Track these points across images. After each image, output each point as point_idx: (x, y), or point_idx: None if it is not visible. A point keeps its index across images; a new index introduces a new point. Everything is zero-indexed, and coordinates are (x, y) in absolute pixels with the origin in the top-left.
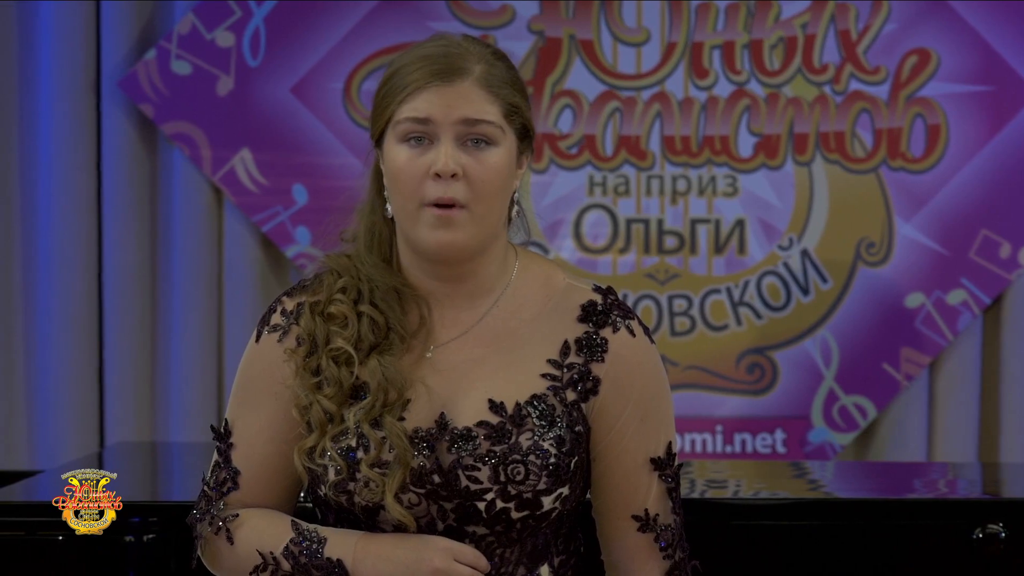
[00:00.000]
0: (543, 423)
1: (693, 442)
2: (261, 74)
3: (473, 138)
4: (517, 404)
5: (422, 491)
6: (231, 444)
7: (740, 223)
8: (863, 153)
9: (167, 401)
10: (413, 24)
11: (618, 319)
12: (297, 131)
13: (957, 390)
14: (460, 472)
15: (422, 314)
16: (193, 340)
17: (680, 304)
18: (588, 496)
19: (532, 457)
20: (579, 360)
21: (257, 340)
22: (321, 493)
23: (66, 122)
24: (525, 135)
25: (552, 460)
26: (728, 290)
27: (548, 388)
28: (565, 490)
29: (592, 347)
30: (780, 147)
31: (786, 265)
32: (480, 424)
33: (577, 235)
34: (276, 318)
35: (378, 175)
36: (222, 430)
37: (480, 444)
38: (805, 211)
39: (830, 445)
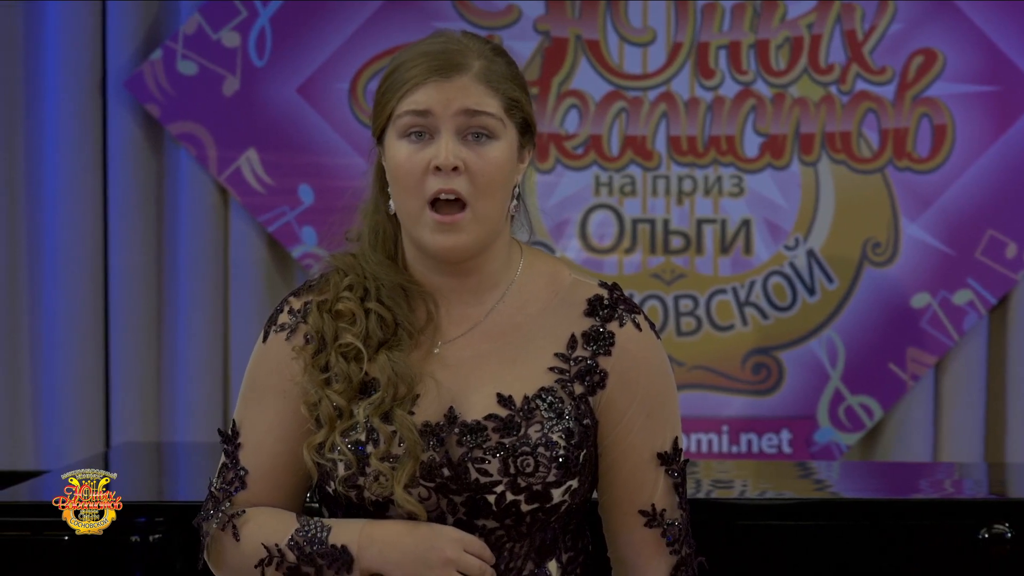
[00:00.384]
0: (552, 415)
1: (699, 442)
2: (267, 74)
3: (474, 132)
4: (525, 397)
5: (432, 485)
6: (239, 444)
7: (746, 223)
8: (869, 153)
9: (173, 401)
10: (419, 24)
11: (624, 313)
12: (303, 131)
13: (963, 390)
14: (470, 465)
15: (429, 310)
16: (199, 340)
17: (686, 304)
18: (595, 494)
19: (541, 449)
20: (586, 353)
21: (264, 340)
22: (330, 489)
23: (72, 122)
24: (526, 130)
25: (561, 452)
26: (734, 290)
27: (556, 381)
28: (574, 483)
29: (599, 340)
30: (786, 147)
31: (792, 265)
32: (489, 417)
33: (583, 235)
34: (283, 317)
35: (380, 172)
36: (230, 432)
37: (489, 437)
38: (811, 211)
39: (836, 445)
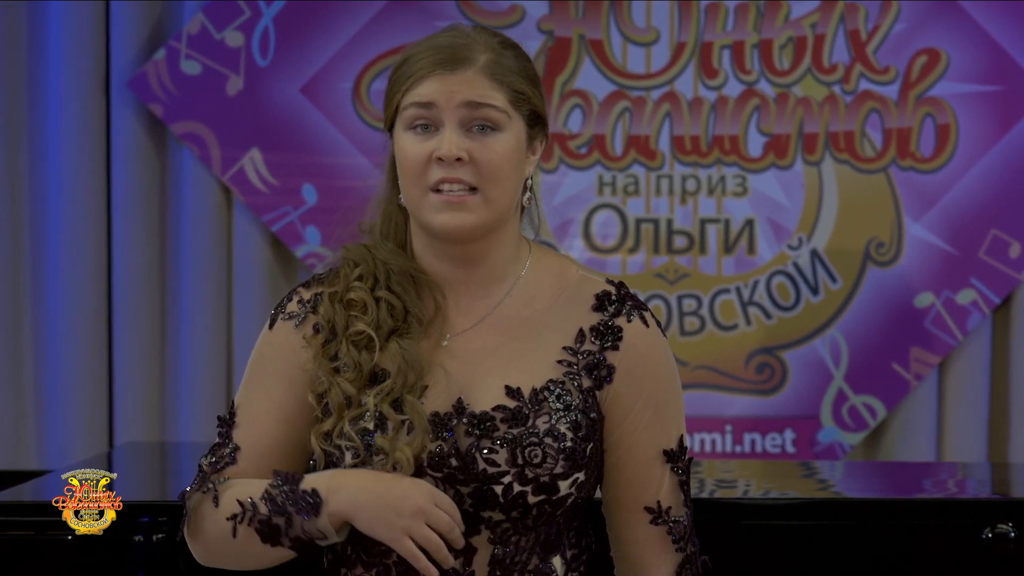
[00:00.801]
0: (560, 407)
1: (703, 442)
2: (270, 74)
3: (478, 124)
4: (534, 389)
5: (439, 475)
6: (234, 423)
7: (749, 223)
8: (873, 153)
9: (176, 401)
10: (422, 24)
11: (632, 309)
12: (306, 131)
13: (966, 390)
14: (477, 455)
15: (437, 301)
16: (202, 340)
17: (689, 304)
18: (598, 493)
19: (549, 440)
20: (594, 347)
21: (271, 327)
22: None
23: (75, 122)
24: (536, 122)
25: (568, 444)
26: (737, 290)
27: (564, 374)
28: (581, 476)
29: (607, 335)
30: (790, 147)
31: (795, 265)
32: (497, 408)
33: (587, 235)
34: (292, 307)
35: (392, 164)
36: (227, 414)
37: (497, 427)
38: (814, 211)
39: (839, 445)
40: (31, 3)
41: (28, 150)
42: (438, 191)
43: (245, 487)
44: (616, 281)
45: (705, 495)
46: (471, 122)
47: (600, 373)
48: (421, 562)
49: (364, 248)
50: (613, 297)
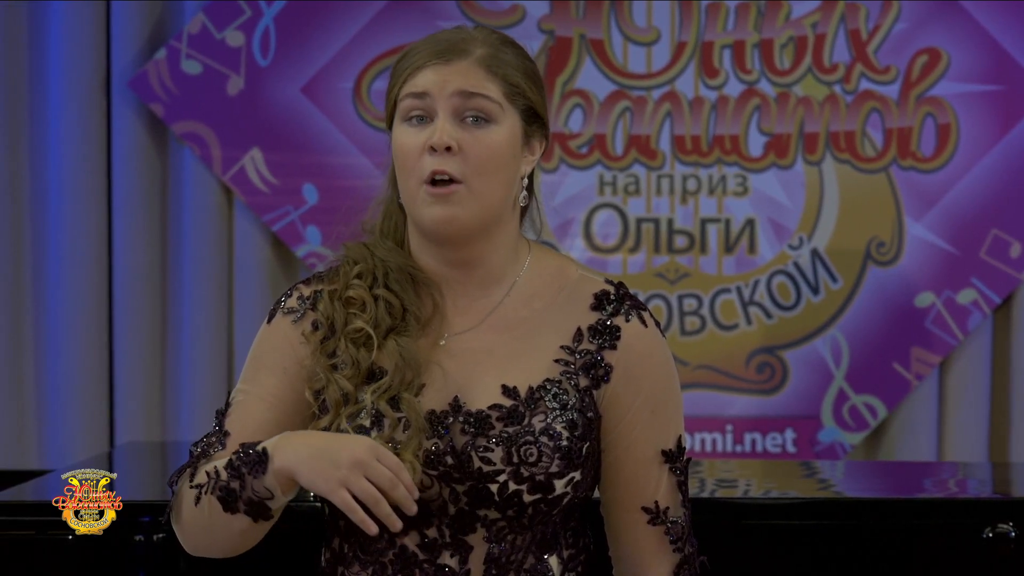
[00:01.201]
0: (556, 406)
1: (703, 441)
2: (271, 74)
3: (472, 115)
4: (530, 388)
5: (435, 473)
6: (227, 413)
7: (750, 222)
8: (873, 152)
9: (177, 401)
10: (423, 24)
11: (631, 309)
12: (307, 131)
13: (967, 390)
14: (473, 453)
15: (435, 301)
16: (203, 339)
17: (690, 304)
18: (596, 493)
19: (544, 438)
20: (591, 347)
21: (269, 321)
22: None
23: (76, 122)
24: (533, 119)
25: (564, 442)
26: (738, 289)
27: (561, 373)
28: (577, 475)
29: (604, 334)
30: (790, 147)
31: (796, 264)
32: (494, 407)
33: (587, 234)
34: (292, 302)
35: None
36: (224, 406)
37: (493, 426)
38: (815, 210)
39: (840, 445)
40: (32, 3)
41: (29, 150)
42: (432, 184)
43: (218, 462)
44: (616, 281)
45: (706, 495)
46: (464, 112)
47: (597, 372)
48: (358, 515)
49: (364, 247)
50: (612, 297)
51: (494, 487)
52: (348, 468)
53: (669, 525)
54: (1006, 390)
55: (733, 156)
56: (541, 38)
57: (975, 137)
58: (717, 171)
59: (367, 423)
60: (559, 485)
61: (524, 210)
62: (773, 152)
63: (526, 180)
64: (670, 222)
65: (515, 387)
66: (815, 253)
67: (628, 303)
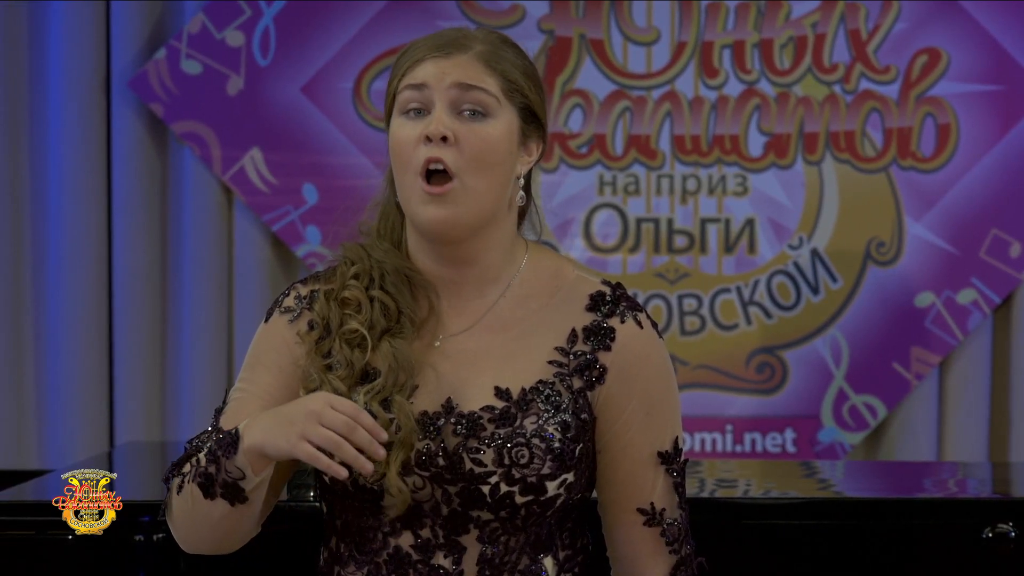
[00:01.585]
0: (549, 408)
1: (703, 441)
2: (271, 73)
3: (469, 108)
4: (523, 390)
5: (426, 474)
6: (224, 411)
7: (750, 222)
8: (873, 152)
9: (177, 400)
10: (423, 24)
11: (626, 310)
12: (307, 131)
13: (967, 390)
14: (464, 455)
15: (431, 302)
16: (203, 339)
17: (690, 303)
18: (594, 494)
19: (536, 440)
20: (586, 348)
21: (267, 321)
22: (326, 478)
23: (76, 122)
24: (531, 118)
25: (556, 444)
26: (738, 289)
27: (555, 375)
28: (570, 476)
29: (599, 335)
30: (790, 146)
31: (796, 264)
32: (485, 408)
33: (587, 234)
34: (289, 302)
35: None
36: (221, 404)
37: (485, 427)
38: (815, 210)
39: (840, 444)
40: (32, 3)
41: (29, 150)
42: (426, 179)
43: (201, 453)
44: (613, 282)
45: (705, 495)
46: (462, 105)
47: (592, 374)
48: (322, 462)
49: (361, 247)
50: (607, 298)
51: (486, 488)
52: (304, 421)
53: (665, 526)
54: (1006, 390)
55: (733, 156)
56: (541, 38)
57: (975, 137)
58: (717, 171)
59: None
60: (551, 487)
61: (522, 212)
62: (773, 152)
63: (522, 181)
64: (670, 222)
65: (507, 388)
66: (815, 253)
67: (624, 304)
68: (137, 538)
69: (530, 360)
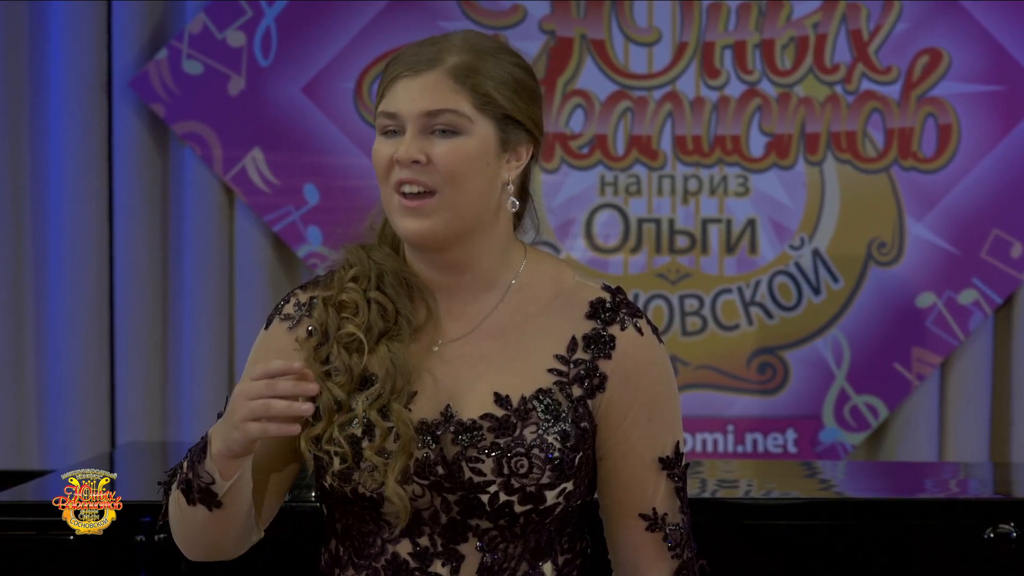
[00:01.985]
0: (548, 417)
1: (704, 442)
2: (272, 74)
3: (440, 128)
4: (523, 398)
5: (426, 483)
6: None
7: (751, 223)
8: (874, 153)
9: (178, 401)
10: (424, 24)
11: (626, 317)
12: (308, 131)
13: (968, 390)
14: (464, 464)
15: (429, 306)
16: (204, 340)
17: (691, 304)
18: (596, 496)
19: (536, 451)
20: (586, 356)
21: (267, 327)
22: (326, 483)
23: (77, 122)
24: (515, 126)
25: (556, 454)
26: (739, 290)
27: (554, 383)
28: (569, 485)
29: (599, 343)
30: (791, 147)
31: (797, 265)
32: (485, 416)
33: (588, 235)
34: (289, 308)
35: None
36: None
37: (484, 436)
38: (816, 211)
39: (841, 445)
40: (33, 3)
41: (30, 150)
42: (402, 194)
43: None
44: (614, 287)
45: (707, 495)
46: (432, 126)
47: (592, 382)
48: (272, 430)
49: (361, 249)
50: (607, 305)
51: (485, 497)
52: (238, 407)
53: (667, 531)
54: (1007, 390)
55: (734, 156)
56: (542, 38)
57: (976, 137)
58: (718, 171)
59: (358, 432)
60: (550, 496)
61: (518, 215)
62: (774, 152)
63: (511, 186)
64: (671, 222)
65: (507, 396)
66: (816, 253)
67: (624, 311)
68: (138, 538)
69: (529, 367)
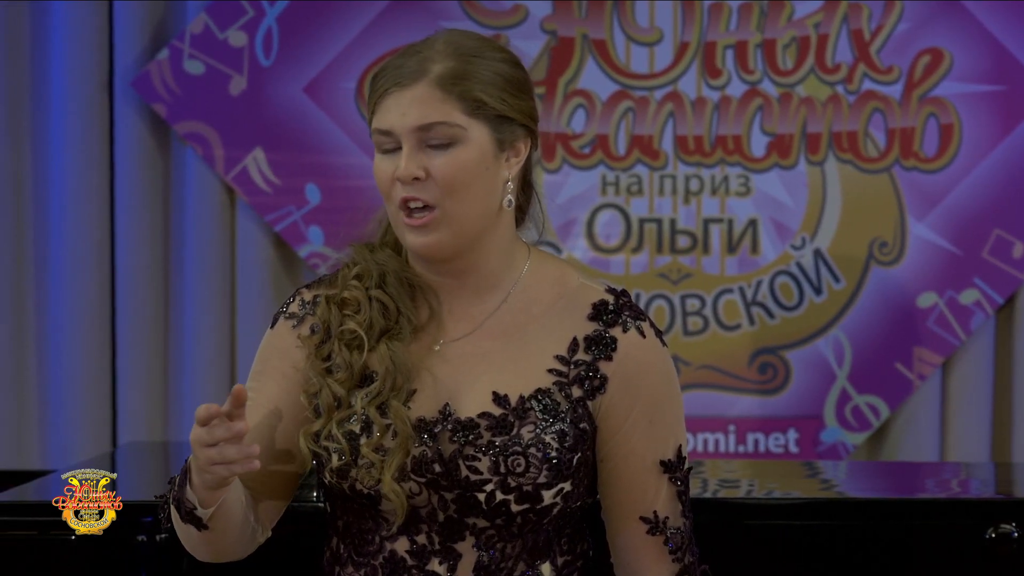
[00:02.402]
0: (546, 417)
1: (705, 442)
2: (274, 74)
3: (435, 142)
4: (521, 397)
5: (423, 480)
6: None
7: (753, 223)
8: (876, 153)
9: (180, 401)
10: (425, 24)
11: (629, 319)
12: (310, 131)
13: (970, 390)
14: (460, 462)
15: (432, 306)
16: (205, 340)
17: (693, 304)
18: (598, 498)
19: (533, 450)
20: (587, 357)
21: (272, 326)
22: (325, 480)
23: (79, 122)
24: (510, 124)
25: (553, 454)
26: (741, 290)
27: (554, 383)
28: (567, 486)
29: (601, 345)
30: (793, 147)
31: (799, 265)
32: (483, 415)
33: (590, 235)
34: (293, 307)
35: None
36: None
37: (482, 435)
38: (818, 211)
39: (843, 445)
40: (34, 3)
41: (31, 150)
42: (407, 213)
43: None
44: (618, 289)
45: (708, 495)
46: (427, 140)
47: (592, 383)
48: (236, 469)
49: (365, 248)
50: (610, 307)
51: (481, 496)
52: (197, 453)
53: (669, 535)
54: (1008, 390)
55: (736, 156)
56: (543, 38)
57: (977, 137)
58: (720, 171)
59: (357, 428)
60: (547, 496)
61: (522, 210)
62: (776, 152)
63: (511, 185)
64: (673, 222)
65: (506, 395)
66: (818, 253)
67: (627, 313)
68: (139, 538)
69: (530, 367)
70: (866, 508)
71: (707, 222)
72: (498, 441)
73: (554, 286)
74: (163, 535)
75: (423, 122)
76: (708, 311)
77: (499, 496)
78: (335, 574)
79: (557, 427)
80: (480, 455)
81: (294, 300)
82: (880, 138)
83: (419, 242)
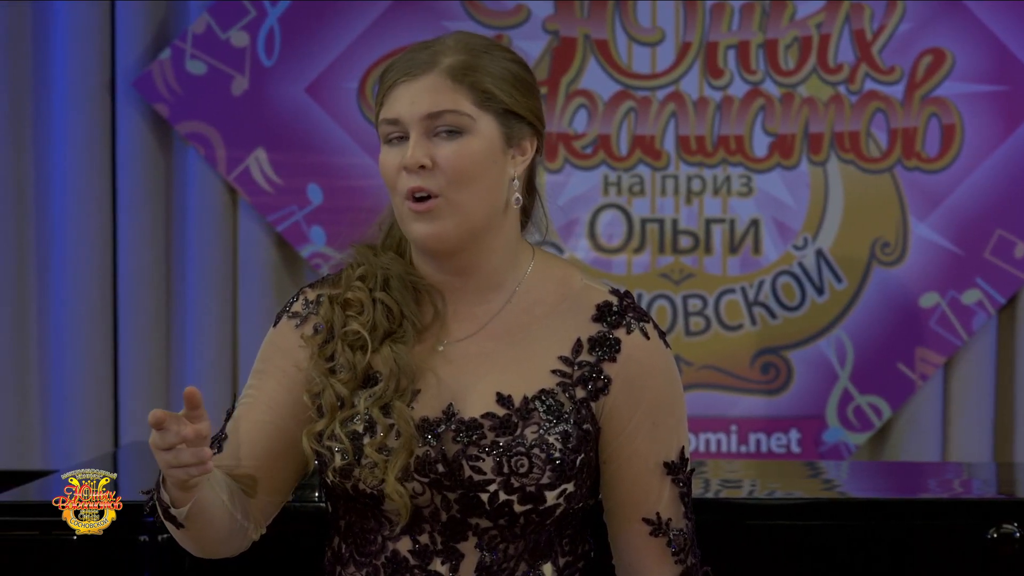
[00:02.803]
0: (550, 418)
1: (707, 442)
2: (276, 74)
3: (444, 129)
4: (525, 398)
5: (426, 480)
6: (232, 416)
7: (755, 223)
8: (878, 153)
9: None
10: (428, 24)
11: (632, 321)
12: (312, 131)
13: (972, 390)
14: (464, 462)
15: (436, 307)
16: (207, 340)
17: (695, 304)
18: (600, 498)
19: (536, 450)
20: (591, 359)
21: (275, 325)
22: (327, 480)
23: (80, 122)
24: (517, 120)
25: (556, 455)
26: (743, 290)
27: (557, 384)
28: (570, 487)
29: (604, 346)
30: (795, 147)
31: (801, 265)
32: (486, 415)
33: (592, 235)
34: (297, 307)
35: None
36: (231, 407)
37: (485, 435)
38: (820, 211)
39: (845, 445)
40: (35, 3)
41: (33, 150)
42: (413, 200)
43: None
44: (621, 291)
45: (710, 495)
46: (436, 128)
47: (596, 384)
48: (194, 472)
49: (369, 249)
50: (614, 308)
51: (484, 496)
52: (157, 458)
53: (671, 536)
54: (1011, 390)
55: (738, 156)
56: (545, 38)
57: (980, 137)
58: (722, 171)
59: (360, 428)
60: (550, 497)
61: (526, 212)
62: (778, 152)
63: (517, 182)
64: (675, 222)
65: (509, 395)
66: (820, 253)
67: (631, 315)
68: (141, 538)
69: (533, 367)
70: (868, 508)
71: (709, 222)
72: (502, 441)
73: (558, 287)
74: (165, 535)
75: (433, 110)
76: (710, 311)
77: (502, 496)
78: (336, 574)
79: (561, 428)
80: (483, 455)
81: (297, 299)
82: (882, 138)
83: (423, 231)
